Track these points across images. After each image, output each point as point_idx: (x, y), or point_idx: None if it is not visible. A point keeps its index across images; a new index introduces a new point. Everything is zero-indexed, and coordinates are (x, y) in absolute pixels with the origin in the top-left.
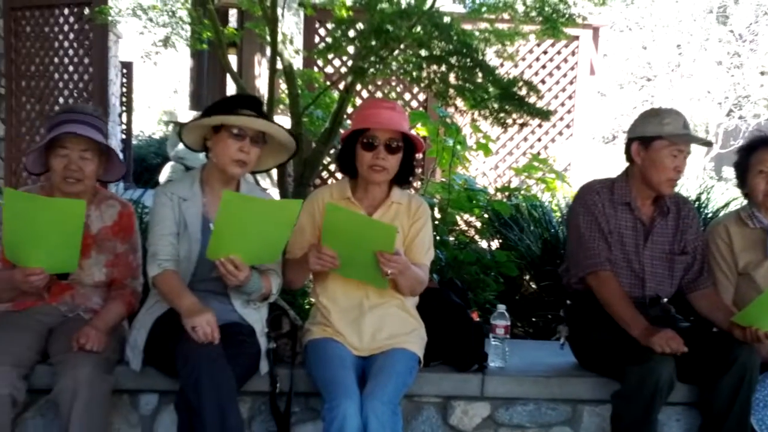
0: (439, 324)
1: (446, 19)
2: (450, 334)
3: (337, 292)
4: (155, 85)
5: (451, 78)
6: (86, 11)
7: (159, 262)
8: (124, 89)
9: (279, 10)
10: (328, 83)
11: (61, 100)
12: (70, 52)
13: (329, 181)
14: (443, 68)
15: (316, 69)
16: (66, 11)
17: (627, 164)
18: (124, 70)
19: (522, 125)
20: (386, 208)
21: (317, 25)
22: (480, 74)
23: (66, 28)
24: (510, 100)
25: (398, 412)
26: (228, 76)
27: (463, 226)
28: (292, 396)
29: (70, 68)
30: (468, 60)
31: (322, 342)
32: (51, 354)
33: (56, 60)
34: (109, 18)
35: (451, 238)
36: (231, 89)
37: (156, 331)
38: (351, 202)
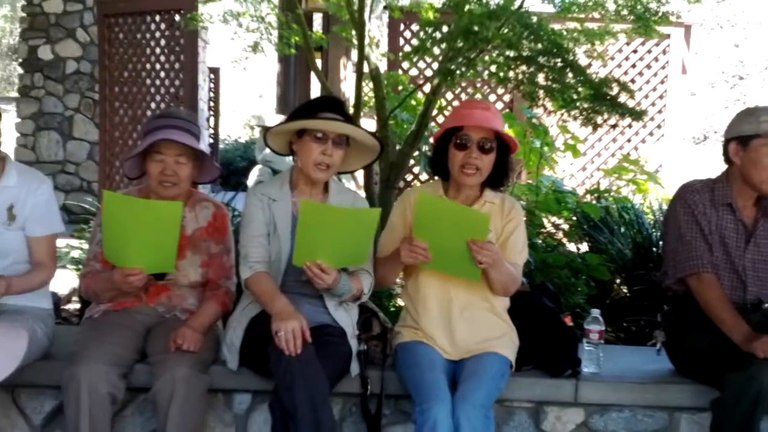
0: (531, 328)
1: (534, 19)
2: (542, 339)
3: (427, 293)
4: (240, 89)
5: (540, 78)
6: (177, 18)
7: (250, 265)
8: (212, 94)
9: (365, 14)
10: (413, 86)
11: (152, 105)
12: (162, 58)
13: (413, 184)
14: (532, 69)
15: (400, 71)
16: (157, 18)
17: (726, 166)
18: (212, 76)
19: (613, 126)
20: (479, 207)
21: (402, 28)
22: (570, 74)
23: (157, 34)
24: (602, 101)
25: (491, 416)
26: (313, 79)
27: (551, 229)
28: (383, 398)
29: (162, 74)
30: (558, 60)
31: (412, 345)
32: (149, 354)
33: (148, 66)
34: (200, 24)
35: (538, 241)
36: (316, 92)
37: (251, 331)
38: None
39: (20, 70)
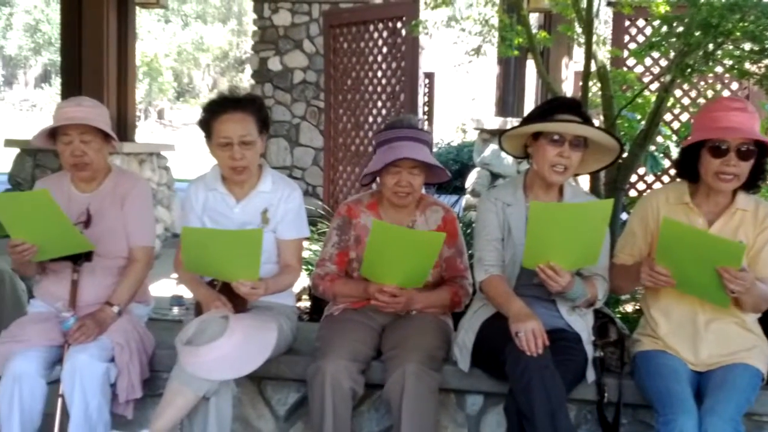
0: None
1: None
2: None
3: (670, 303)
4: (452, 93)
5: None
6: (398, 25)
7: (485, 268)
8: (426, 98)
9: (593, 12)
10: (642, 83)
11: (374, 111)
12: (383, 65)
13: (638, 186)
14: None
15: (625, 69)
16: (380, 26)
17: None
18: (426, 80)
19: None
20: (729, 216)
21: (627, 24)
22: None
23: (380, 42)
24: None
25: (741, 430)
26: (528, 80)
27: None
28: (621, 407)
29: (383, 81)
30: None
31: (653, 354)
32: (383, 351)
33: (370, 73)
34: (424, 30)
35: None
36: (530, 94)
37: (483, 334)
38: (689, 208)
39: (245, 82)
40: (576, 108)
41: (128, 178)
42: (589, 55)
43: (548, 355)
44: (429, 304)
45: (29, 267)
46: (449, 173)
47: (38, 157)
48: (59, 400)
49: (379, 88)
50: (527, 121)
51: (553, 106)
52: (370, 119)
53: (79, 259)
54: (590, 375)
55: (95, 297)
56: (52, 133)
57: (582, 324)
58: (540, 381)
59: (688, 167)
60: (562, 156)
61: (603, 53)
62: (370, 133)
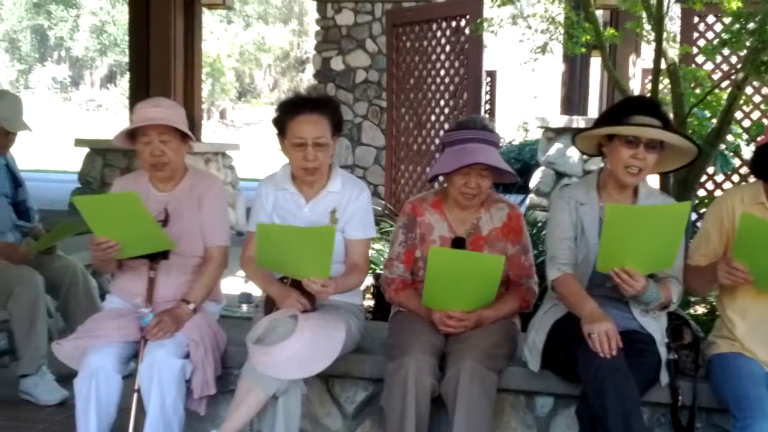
0: None
1: None
2: None
3: (747, 304)
4: (512, 91)
5: None
6: (462, 23)
7: (558, 266)
8: (488, 97)
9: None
10: (713, 81)
11: (437, 110)
12: (446, 64)
13: (707, 185)
14: None
15: (694, 66)
16: (444, 24)
17: None
18: (488, 79)
19: None
20: None
21: (696, 20)
22: None
23: (443, 41)
24: None
25: None
26: (591, 78)
27: None
28: (695, 410)
29: (446, 80)
30: None
31: (730, 357)
32: (446, 349)
33: (432, 72)
34: (489, 28)
35: None
36: (594, 92)
37: (554, 334)
38: (765, 208)
39: (306, 81)
40: (654, 109)
41: (205, 178)
42: (659, 52)
43: (621, 357)
44: (499, 317)
45: (110, 264)
46: (517, 176)
47: (108, 157)
48: (134, 395)
49: (441, 87)
50: (603, 121)
51: (629, 106)
52: (433, 118)
53: (157, 257)
54: (664, 377)
55: (171, 294)
56: (131, 134)
57: (655, 326)
58: (613, 383)
59: (763, 167)
60: (637, 158)
61: (673, 50)
62: (432, 132)
